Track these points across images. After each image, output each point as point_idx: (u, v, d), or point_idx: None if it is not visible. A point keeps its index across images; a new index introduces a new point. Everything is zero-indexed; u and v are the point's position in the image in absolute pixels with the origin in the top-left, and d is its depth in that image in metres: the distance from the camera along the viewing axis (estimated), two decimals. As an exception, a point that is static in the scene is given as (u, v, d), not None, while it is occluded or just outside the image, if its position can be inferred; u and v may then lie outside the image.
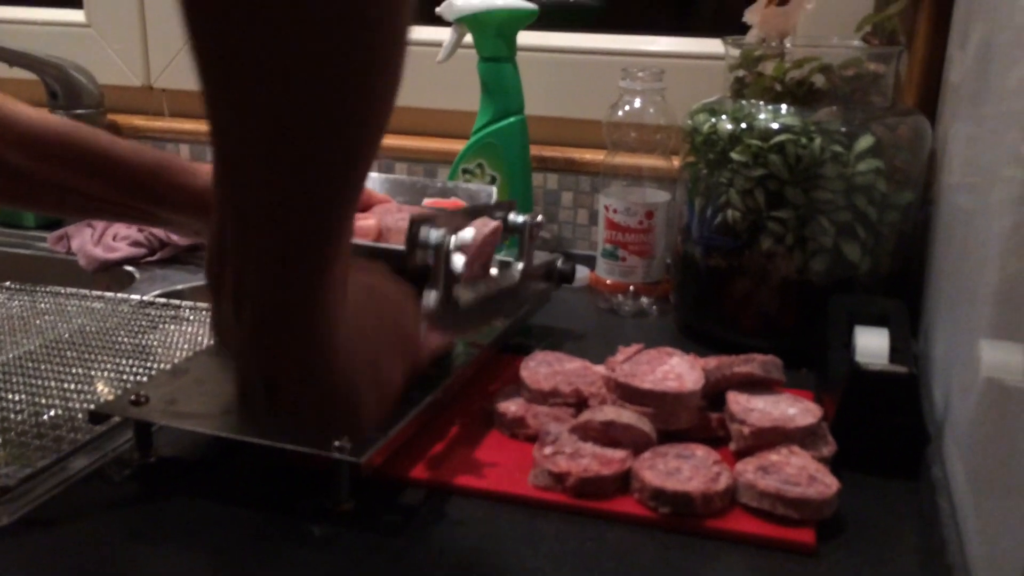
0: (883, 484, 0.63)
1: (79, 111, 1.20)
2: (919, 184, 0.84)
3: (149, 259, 1.11)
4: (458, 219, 0.58)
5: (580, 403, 0.69)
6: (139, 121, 1.28)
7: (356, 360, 0.42)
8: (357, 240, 0.67)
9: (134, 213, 0.66)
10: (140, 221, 0.68)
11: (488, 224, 0.65)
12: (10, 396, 0.72)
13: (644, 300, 0.96)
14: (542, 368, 0.72)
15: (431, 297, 0.54)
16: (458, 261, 0.55)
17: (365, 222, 0.67)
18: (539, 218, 0.70)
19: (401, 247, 0.58)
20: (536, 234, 0.70)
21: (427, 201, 0.76)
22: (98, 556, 0.54)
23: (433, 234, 0.54)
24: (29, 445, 0.65)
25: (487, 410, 0.70)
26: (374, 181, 0.80)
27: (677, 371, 0.66)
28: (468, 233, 0.57)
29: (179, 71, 1.27)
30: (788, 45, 0.84)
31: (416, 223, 0.54)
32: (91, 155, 0.62)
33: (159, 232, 1.11)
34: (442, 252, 0.54)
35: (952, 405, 0.63)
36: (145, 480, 0.62)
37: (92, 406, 0.65)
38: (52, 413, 0.70)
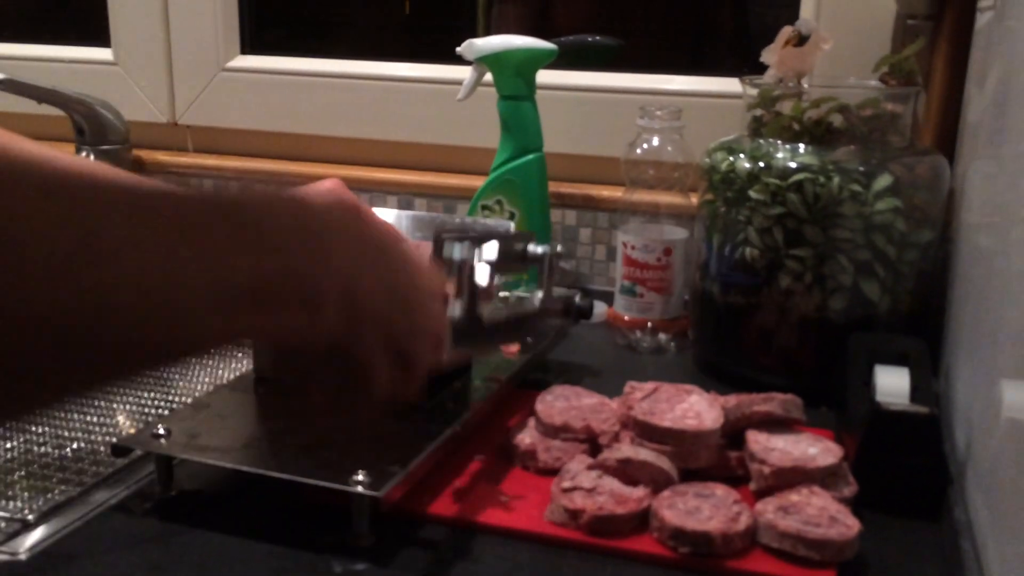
0: (905, 525, 0.62)
1: (105, 147, 1.22)
2: (938, 223, 0.84)
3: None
4: (480, 238, 0.59)
5: (591, 439, 0.69)
6: (164, 157, 1.30)
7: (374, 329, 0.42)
8: None
9: None
10: None
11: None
12: (33, 428, 0.73)
13: (662, 337, 0.96)
14: (559, 402, 0.72)
15: (456, 310, 0.56)
16: (482, 275, 0.56)
17: None
18: (558, 248, 0.71)
19: None
20: (556, 264, 0.71)
21: None
22: (119, 590, 0.54)
23: (457, 249, 0.55)
24: (52, 478, 0.65)
25: (504, 445, 0.70)
26: (393, 217, 0.81)
27: (696, 409, 0.66)
28: (492, 249, 0.58)
29: (204, 108, 1.30)
30: (805, 85, 0.85)
31: (440, 239, 0.55)
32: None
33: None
34: (467, 266, 0.55)
35: (974, 446, 0.63)
36: (166, 514, 0.62)
37: (114, 439, 0.66)
38: (75, 446, 0.70)
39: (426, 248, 0.60)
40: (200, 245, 0.34)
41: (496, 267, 0.59)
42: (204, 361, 0.89)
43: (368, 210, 0.52)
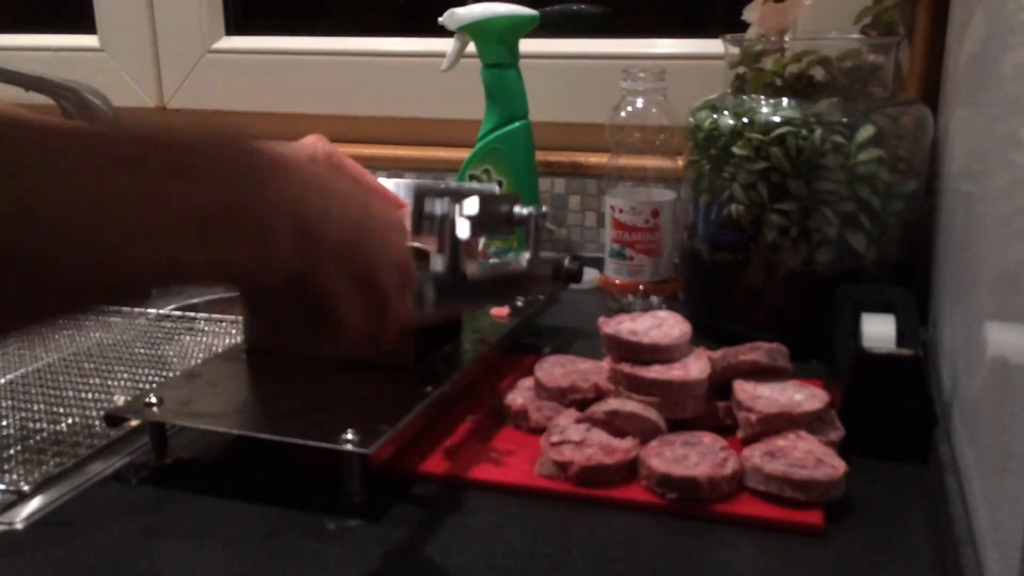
0: (892, 468, 0.63)
1: (94, 133, 1.22)
2: (923, 173, 0.84)
3: (165, 275, 1.12)
4: (462, 194, 0.60)
5: (600, 397, 0.69)
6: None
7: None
8: None
9: None
10: None
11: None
12: (29, 406, 0.74)
13: (653, 299, 0.96)
14: (556, 369, 0.72)
15: (438, 264, 0.56)
16: (463, 229, 0.56)
17: None
18: (543, 209, 0.71)
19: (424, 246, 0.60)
20: (542, 225, 0.71)
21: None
22: (113, 555, 0.55)
23: (438, 204, 0.56)
24: (47, 451, 0.66)
25: (496, 406, 0.70)
26: (391, 185, 0.82)
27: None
28: (472, 204, 0.58)
29: (192, 91, 1.30)
30: (787, 39, 0.85)
31: (421, 196, 0.56)
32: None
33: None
34: (447, 221, 0.56)
35: (959, 387, 0.64)
36: (161, 481, 0.63)
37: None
38: (70, 421, 0.71)
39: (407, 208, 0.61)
40: (132, 176, 0.33)
41: (478, 223, 0.59)
42: (198, 338, 0.90)
43: (342, 158, 0.51)
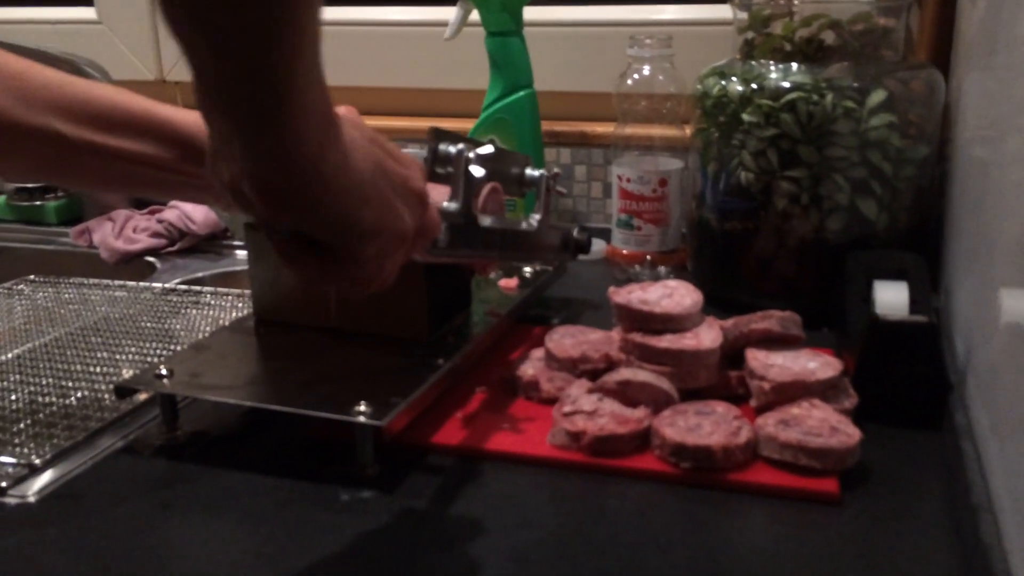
0: (907, 435, 0.63)
1: (94, 106, 1.21)
2: (934, 138, 0.83)
3: (169, 249, 1.12)
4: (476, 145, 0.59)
5: (610, 367, 0.68)
6: (154, 114, 1.29)
7: (361, 195, 0.42)
8: None
9: (180, 179, 0.64)
10: (182, 190, 0.65)
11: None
12: (37, 380, 0.74)
13: (661, 269, 0.96)
14: (567, 339, 0.72)
15: (452, 204, 0.55)
16: (477, 171, 0.56)
17: None
18: (555, 171, 0.71)
19: None
20: (553, 187, 0.71)
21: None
22: (126, 527, 0.55)
23: (452, 147, 0.55)
24: (57, 425, 0.66)
25: (507, 377, 0.70)
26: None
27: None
28: (488, 147, 0.58)
29: (191, 63, 1.28)
30: (796, 2, 0.84)
31: (435, 138, 0.55)
32: (139, 117, 0.59)
33: (178, 222, 1.12)
34: (461, 161, 0.55)
35: (974, 353, 0.63)
36: (172, 454, 0.63)
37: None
38: (79, 395, 0.71)
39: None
40: None
41: (491, 173, 0.59)
42: (204, 311, 0.89)
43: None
